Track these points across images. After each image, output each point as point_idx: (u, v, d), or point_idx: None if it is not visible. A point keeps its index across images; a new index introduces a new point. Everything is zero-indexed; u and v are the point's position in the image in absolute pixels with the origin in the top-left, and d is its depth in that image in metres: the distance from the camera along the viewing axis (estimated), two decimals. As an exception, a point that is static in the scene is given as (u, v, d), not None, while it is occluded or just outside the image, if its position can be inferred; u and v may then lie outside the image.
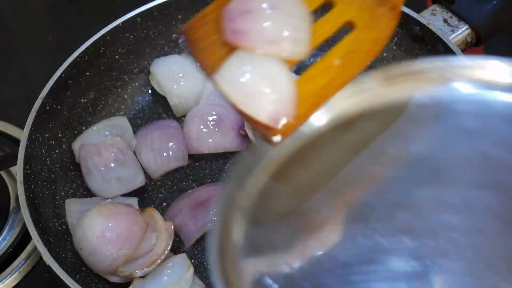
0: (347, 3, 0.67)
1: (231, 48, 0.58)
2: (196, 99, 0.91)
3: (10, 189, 0.88)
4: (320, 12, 0.70)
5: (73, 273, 0.73)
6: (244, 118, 0.54)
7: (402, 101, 0.56)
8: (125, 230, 0.74)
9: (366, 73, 0.55)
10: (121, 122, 0.90)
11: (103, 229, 0.73)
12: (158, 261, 0.75)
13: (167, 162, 0.86)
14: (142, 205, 0.83)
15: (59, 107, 0.86)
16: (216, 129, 0.87)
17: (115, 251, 0.73)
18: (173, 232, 0.77)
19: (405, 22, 0.87)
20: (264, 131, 0.53)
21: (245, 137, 0.87)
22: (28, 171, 0.78)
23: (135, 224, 0.75)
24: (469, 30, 0.84)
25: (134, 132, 0.89)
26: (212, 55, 0.59)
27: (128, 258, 0.74)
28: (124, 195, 0.83)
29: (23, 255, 0.83)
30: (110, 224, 0.74)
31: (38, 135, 0.82)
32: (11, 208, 0.86)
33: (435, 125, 0.55)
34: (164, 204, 0.84)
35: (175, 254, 0.78)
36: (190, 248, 0.79)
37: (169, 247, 0.76)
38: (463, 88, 0.55)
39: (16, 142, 0.92)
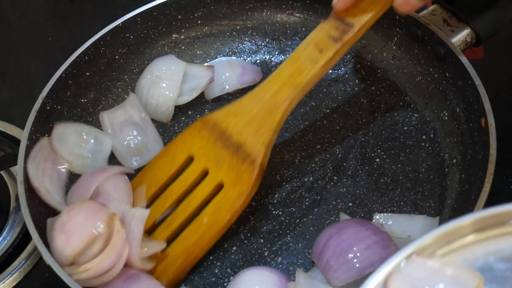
0: (218, 168, 0.78)
1: None
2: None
3: (10, 189, 0.88)
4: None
5: (73, 273, 0.73)
6: None
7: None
8: (77, 226, 0.70)
9: (455, 222, 0.45)
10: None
11: (63, 222, 0.71)
12: (92, 272, 0.69)
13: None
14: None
15: (59, 107, 0.86)
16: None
17: (63, 242, 0.70)
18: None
19: (405, 22, 0.88)
20: None
21: None
22: (28, 171, 0.78)
23: (90, 222, 0.70)
24: (469, 30, 0.84)
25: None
26: None
27: (75, 256, 0.70)
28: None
29: (23, 255, 0.83)
30: (68, 217, 0.71)
31: (38, 135, 0.81)
32: (11, 208, 0.86)
33: None
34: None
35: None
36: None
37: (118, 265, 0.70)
38: None
39: (16, 142, 0.92)
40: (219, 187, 0.77)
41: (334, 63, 0.78)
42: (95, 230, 0.70)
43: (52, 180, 0.80)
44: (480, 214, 0.45)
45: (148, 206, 0.79)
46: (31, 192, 0.77)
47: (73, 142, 0.84)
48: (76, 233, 0.70)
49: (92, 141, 0.85)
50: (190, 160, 0.80)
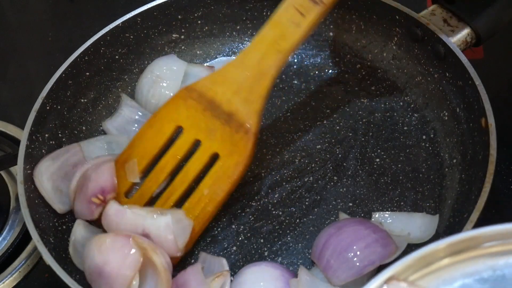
0: (211, 138, 0.77)
1: None
2: None
3: (10, 189, 0.88)
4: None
5: (73, 273, 0.73)
6: None
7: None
8: (116, 271, 0.68)
9: (431, 246, 0.46)
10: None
11: (99, 269, 0.69)
12: None
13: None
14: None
15: (59, 107, 0.86)
16: None
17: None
18: None
19: (405, 22, 0.88)
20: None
21: None
22: (28, 171, 0.78)
23: (126, 262, 0.68)
24: (468, 30, 0.84)
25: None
26: None
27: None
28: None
29: (23, 255, 0.83)
30: (102, 261, 0.69)
31: (38, 135, 0.82)
32: (11, 208, 0.86)
33: None
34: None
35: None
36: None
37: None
38: None
39: (16, 142, 0.92)
40: (214, 158, 0.77)
41: (315, 26, 0.77)
42: (133, 269, 0.68)
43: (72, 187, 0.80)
44: (454, 238, 0.45)
45: (141, 179, 0.79)
46: (31, 192, 0.77)
47: (97, 155, 0.84)
48: (119, 278, 0.68)
49: (113, 148, 0.85)
50: (178, 131, 0.79)
